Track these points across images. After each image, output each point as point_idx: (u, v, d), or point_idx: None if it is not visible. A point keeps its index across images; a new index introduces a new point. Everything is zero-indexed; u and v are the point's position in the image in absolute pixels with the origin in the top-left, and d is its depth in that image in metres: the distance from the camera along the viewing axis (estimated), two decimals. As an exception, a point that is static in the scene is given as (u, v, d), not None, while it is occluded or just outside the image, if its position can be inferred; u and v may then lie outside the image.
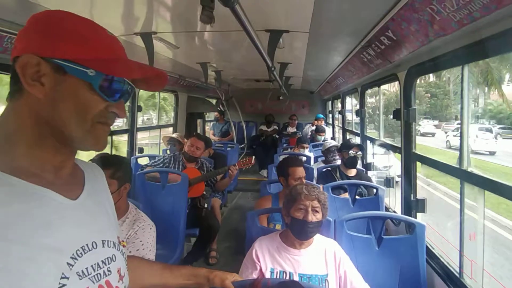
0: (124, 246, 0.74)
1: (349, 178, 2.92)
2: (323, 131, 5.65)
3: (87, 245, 0.61)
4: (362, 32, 1.91)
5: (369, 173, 3.30)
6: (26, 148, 0.58)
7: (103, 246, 0.65)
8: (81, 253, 0.59)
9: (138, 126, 3.99)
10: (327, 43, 2.35)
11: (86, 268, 0.59)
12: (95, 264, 0.62)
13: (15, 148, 0.58)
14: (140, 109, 3.88)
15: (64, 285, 0.54)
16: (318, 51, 2.66)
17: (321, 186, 2.35)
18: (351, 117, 5.09)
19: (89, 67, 0.58)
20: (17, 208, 0.53)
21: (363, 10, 1.56)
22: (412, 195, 2.14)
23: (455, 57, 1.46)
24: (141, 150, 4.08)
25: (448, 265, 1.79)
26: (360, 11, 1.58)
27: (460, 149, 1.53)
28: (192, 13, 1.89)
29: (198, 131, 6.55)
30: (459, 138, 1.59)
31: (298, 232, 1.61)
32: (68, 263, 0.56)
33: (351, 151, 2.92)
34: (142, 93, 4.26)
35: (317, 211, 1.62)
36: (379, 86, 2.97)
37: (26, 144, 0.58)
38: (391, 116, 2.32)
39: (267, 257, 1.63)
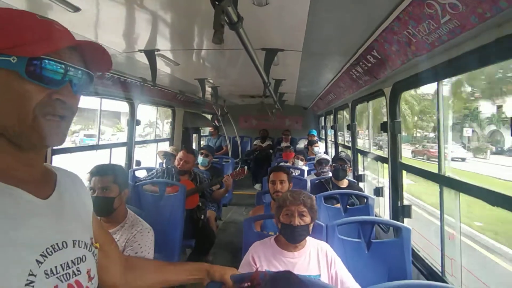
0: (97, 247, 0.74)
1: (340, 189, 3.04)
2: (316, 142, 5.79)
3: (57, 244, 0.61)
4: (350, 51, 2.09)
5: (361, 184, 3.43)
6: None
7: (74, 246, 0.65)
8: (50, 251, 0.59)
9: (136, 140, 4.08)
10: (318, 61, 2.53)
11: (55, 267, 0.59)
12: (64, 263, 0.62)
13: None
14: (138, 123, 3.98)
15: (32, 281, 0.54)
16: (311, 68, 2.84)
17: (313, 197, 2.47)
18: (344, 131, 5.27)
19: (11, 54, 0.56)
20: None
21: (349, 32, 1.74)
22: (399, 202, 2.27)
23: (431, 74, 1.63)
24: (138, 163, 4.15)
25: (432, 266, 1.89)
26: (347, 33, 1.76)
27: (439, 157, 1.68)
28: (192, 32, 2.04)
29: (194, 146, 6.66)
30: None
31: (287, 236, 1.71)
32: (37, 260, 0.56)
33: (335, 164, 3.07)
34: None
35: (304, 215, 1.71)
36: (368, 101, 3.15)
37: None
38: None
39: (263, 261, 1.71)
